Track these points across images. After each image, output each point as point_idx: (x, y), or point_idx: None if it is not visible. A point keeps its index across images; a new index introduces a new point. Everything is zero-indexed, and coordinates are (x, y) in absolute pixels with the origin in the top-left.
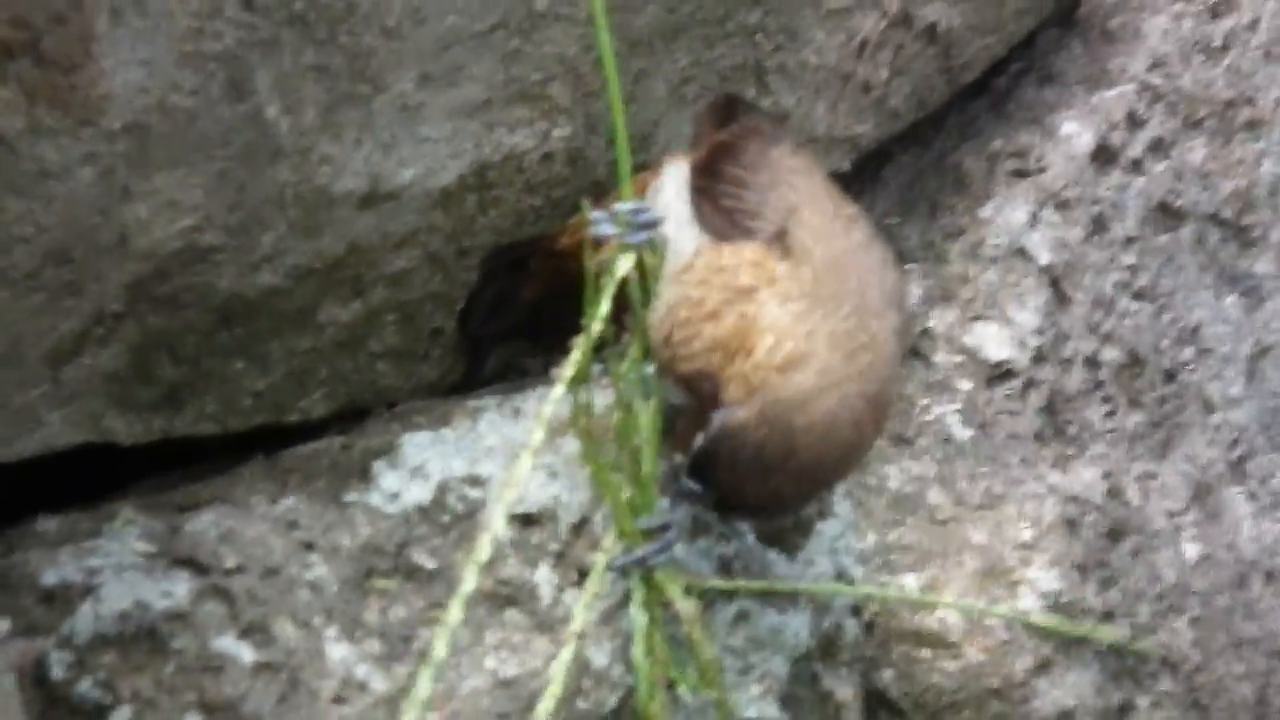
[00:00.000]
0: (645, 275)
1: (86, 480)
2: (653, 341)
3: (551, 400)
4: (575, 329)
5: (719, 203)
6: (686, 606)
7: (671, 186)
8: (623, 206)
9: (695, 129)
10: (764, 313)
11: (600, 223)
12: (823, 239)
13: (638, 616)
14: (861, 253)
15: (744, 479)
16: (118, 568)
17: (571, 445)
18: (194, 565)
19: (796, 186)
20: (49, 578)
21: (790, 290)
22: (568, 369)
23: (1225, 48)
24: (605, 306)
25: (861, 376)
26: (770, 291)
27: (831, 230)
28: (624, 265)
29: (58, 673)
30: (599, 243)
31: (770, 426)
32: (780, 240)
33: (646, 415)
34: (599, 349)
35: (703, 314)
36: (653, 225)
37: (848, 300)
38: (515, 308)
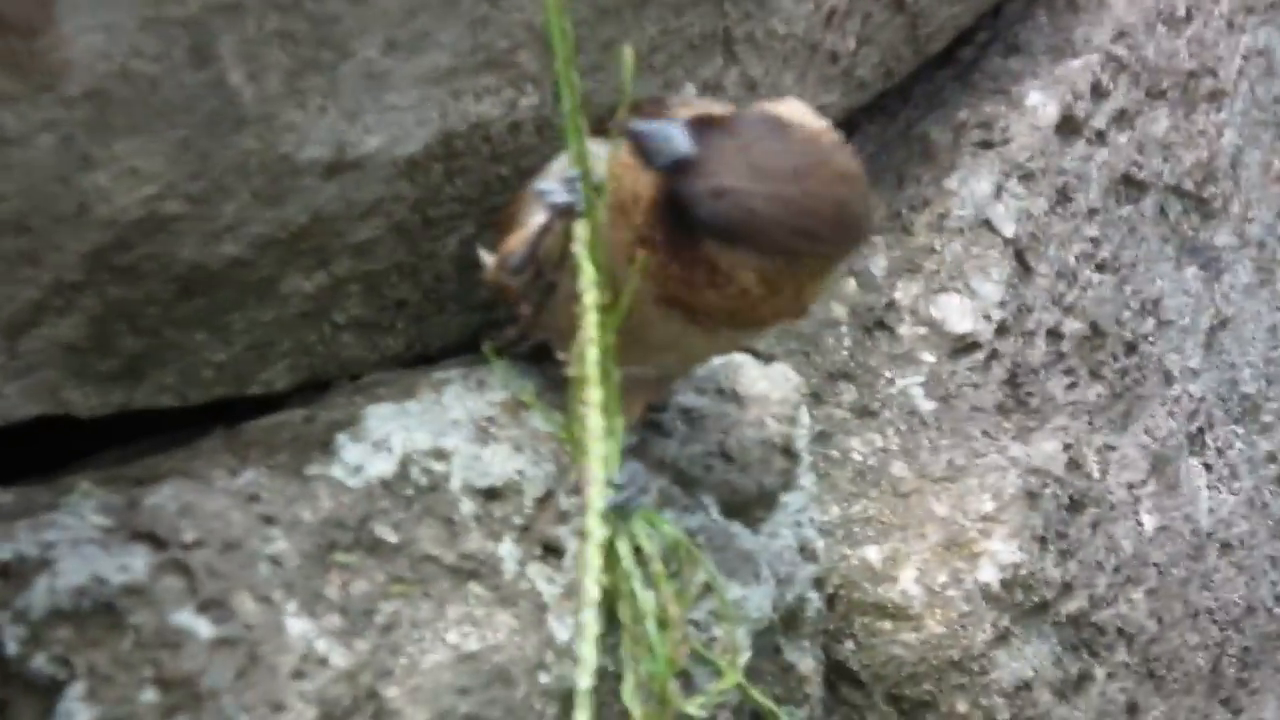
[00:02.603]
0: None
1: (43, 452)
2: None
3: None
4: None
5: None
6: (671, 533)
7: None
8: (572, 173)
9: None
10: None
11: (552, 192)
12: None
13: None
14: None
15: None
16: (74, 541)
17: (535, 419)
18: (152, 539)
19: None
20: (3, 552)
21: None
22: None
23: (1188, 18)
24: (591, 272)
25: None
26: None
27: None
28: (584, 230)
29: (12, 648)
30: (564, 211)
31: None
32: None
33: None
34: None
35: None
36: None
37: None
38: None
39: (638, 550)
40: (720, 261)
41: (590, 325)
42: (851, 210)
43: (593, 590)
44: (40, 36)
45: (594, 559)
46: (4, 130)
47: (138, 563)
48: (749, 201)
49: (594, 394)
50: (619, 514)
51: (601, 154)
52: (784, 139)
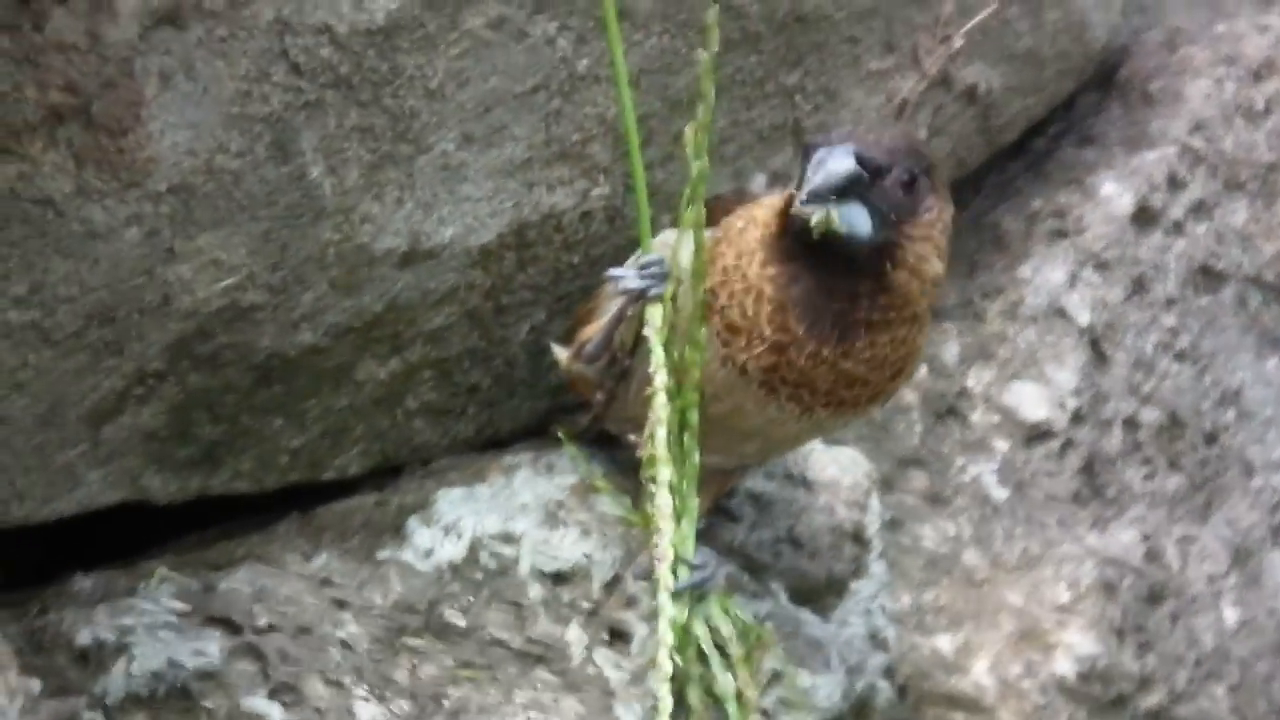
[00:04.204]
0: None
1: (122, 537)
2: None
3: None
4: None
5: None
6: (741, 617)
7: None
8: (646, 259)
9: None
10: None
11: (625, 278)
12: None
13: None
14: None
15: None
16: (151, 626)
17: (604, 503)
18: (227, 624)
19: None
20: (83, 637)
21: None
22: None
23: (1267, 111)
24: (660, 355)
25: None
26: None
27: None
28: (656, 315)
29: None
30: (639, 296)
31: None
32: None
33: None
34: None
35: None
36: (666, 275)
37: None
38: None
39: (712, 632)
40: (936, 215)
41: (660, 406)
42: None
43: (666, 665)
44: (129, 135)
45: (666, 634)
46: (92, 224)
47: (212, 647)
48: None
49: (664, 473)
50: (694, 596)
51: (672, 241)
52: None
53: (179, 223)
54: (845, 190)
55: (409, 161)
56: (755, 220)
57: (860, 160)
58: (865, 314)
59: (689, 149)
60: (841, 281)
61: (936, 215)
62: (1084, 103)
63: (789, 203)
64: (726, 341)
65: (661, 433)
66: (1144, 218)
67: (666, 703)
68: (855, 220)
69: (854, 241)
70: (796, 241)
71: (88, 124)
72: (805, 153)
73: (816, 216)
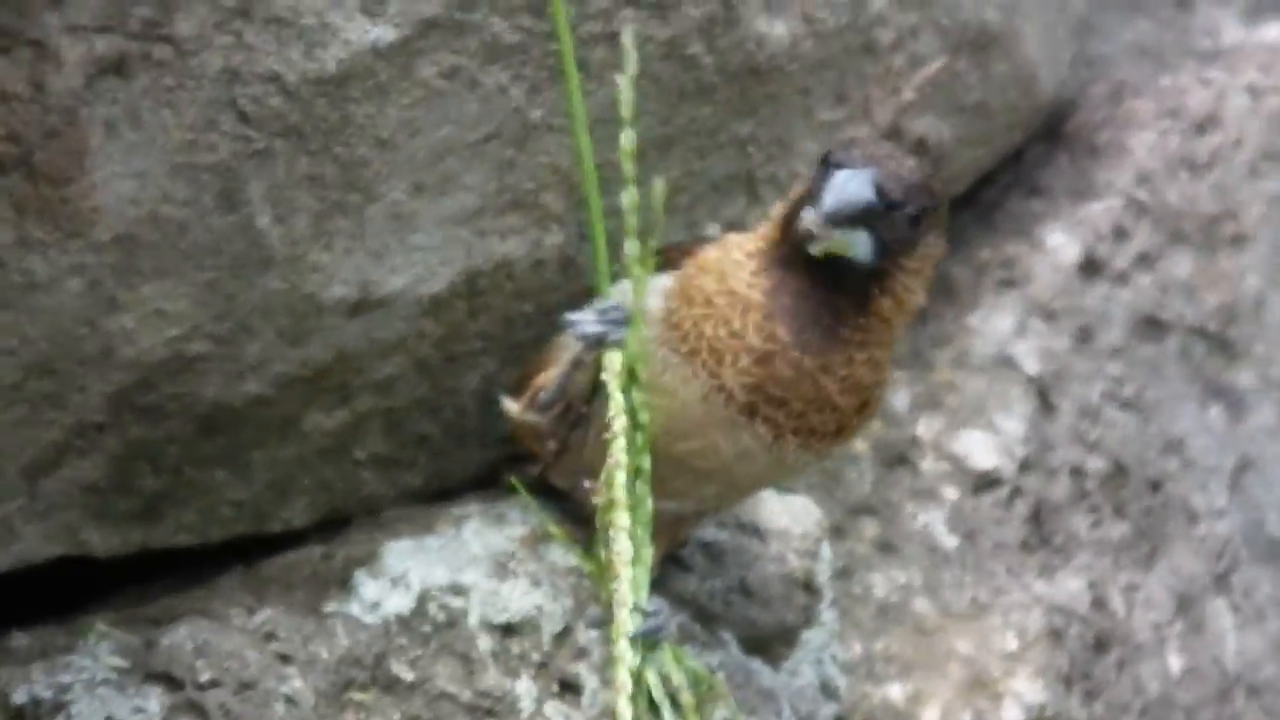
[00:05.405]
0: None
1: (61, 592)
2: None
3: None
4: None
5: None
6: (693, 667)
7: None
8: (603, 304)
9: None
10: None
11: (581, 323)
12: None
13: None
14: None
15: None
16: (89, 683)
17: (554, 554)
18: (168, 680)
19: None
20: (19, 695)
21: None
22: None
23: (1210, 165)
24: (620, 399)
25: None
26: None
27: None
28: (615, 361)
29: None
30: (598, 342)
31: None
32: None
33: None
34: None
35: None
36: (626, 321)
37: None
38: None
39: (664, 681)
40: (930, 249)
41: (619, 450)
42: None
43: (626, 712)
44: (72, 185)
45: (625, 681)
46: (33, 276)
47: (153, 704)
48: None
49: (623, 517)
50: (645, 644)
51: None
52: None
53: (122, 273)
54: (858, 219)
55: (359, 210)
56: (739, 243)
57: (879, 191)
58: (847, 332)
59: (624, 172)
60: (827, 296)
61: (932, 251)
62: (1032, 154)
63: (792, 211)
64: (714, 371)
65: (620, 477)
66: (1090, 268)
67: None
68: (858, 244)
69: (851, 264)
70: (792, 251)
71: (29, 174)
72: (826, 165)
73: (824, 241)
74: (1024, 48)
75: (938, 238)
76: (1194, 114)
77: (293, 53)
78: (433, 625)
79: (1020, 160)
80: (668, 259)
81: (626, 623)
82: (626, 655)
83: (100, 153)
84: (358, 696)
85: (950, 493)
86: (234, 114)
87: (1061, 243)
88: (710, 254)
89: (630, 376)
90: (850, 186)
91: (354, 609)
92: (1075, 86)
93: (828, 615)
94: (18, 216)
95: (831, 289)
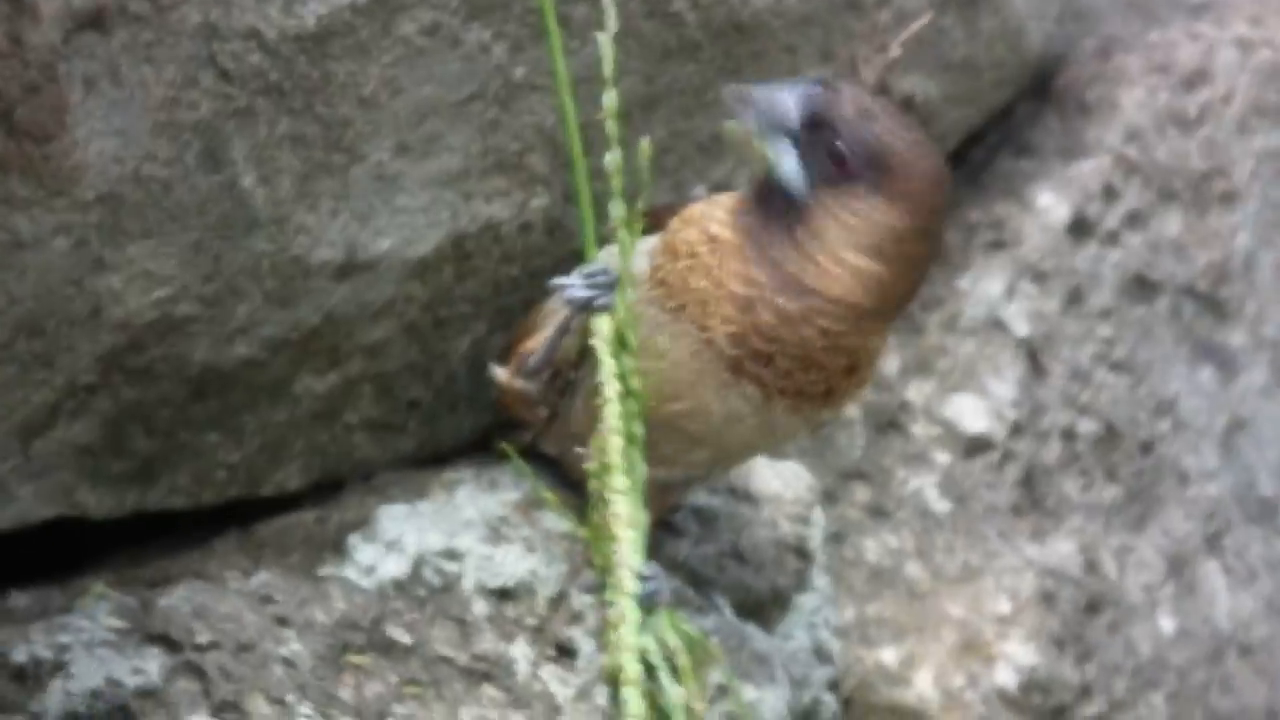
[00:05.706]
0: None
1: (57, 554)
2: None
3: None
4: None
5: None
6: (688, 631)
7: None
8: (590, 268)
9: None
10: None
11: (570, 287)
12: None
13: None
14: None
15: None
16: (89, 644)
17: (548, 519)
18: (166, 641)
19: None
20: (18, 654)
21: None
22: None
23: (1200, 120)
24: (610, 364)
25: None
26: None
27: None
28: (603, 326)
29: None
30: (585, 306)
31: None
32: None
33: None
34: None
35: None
36: (614, 285)
37: None
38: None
39: (660, 645)
40: (866, 210)
41: (612, 415)
42: None
43: (632, 669)
44: (54, 142)
45: (629, 639)
46: (18, 234)
47: (152, 665)
48: (902, 131)
49: (619, 480)
50: (642, 608)
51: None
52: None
53: (108, 232)
54: (777, 123)
55: (343, 171)
56: (724, 199)
57: (809, 105)
58: (802, 274)
59: (608, 133)
60: (781, 232)
61: (863, 205)
62: (1021, 112)
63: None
64: (701, 324)
65: (615, 441)
66: (1080, 228)
67: (637, 705)
68: (783, 159)
69: (786, 191)
70: (764, 190)
71: (10, 130)
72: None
73: (746, 145)
74: (1011, 2)
75: (892, 208)
76: (1183, 69)
77: (271, 8)
78: (428, 589)
79: (1009, 118)
80: (655, 220)
81: (628, 583)
82: (631, 614)
83: (81, 109)
84: (355, 659)
85: (941, 457)
86: (214, 71)
87: (1051, 203)
88: (695, 208)
89: (620, 341)
90: (783, 92)
91: (349, 573)
92: (1064, 42)
93: (820, 580)
94: (1, 174)
95: (783, 221)
